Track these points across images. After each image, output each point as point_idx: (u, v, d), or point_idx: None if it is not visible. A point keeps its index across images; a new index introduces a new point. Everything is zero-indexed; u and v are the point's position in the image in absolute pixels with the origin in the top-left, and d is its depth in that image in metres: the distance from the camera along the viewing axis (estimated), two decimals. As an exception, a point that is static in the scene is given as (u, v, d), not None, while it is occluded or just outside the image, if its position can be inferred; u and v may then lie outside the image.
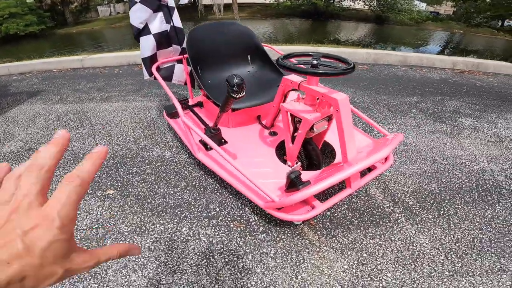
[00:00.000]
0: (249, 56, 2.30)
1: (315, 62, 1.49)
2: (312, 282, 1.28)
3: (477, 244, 1.43)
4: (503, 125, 2.57)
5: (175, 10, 2.09)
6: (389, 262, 1.34)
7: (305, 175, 1.59)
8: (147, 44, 2.01)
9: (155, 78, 2.06)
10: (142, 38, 1.99)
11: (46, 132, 2.50)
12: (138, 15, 1.92)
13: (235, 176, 1.61)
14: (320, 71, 1.35)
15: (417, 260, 1.35)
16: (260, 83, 2.16)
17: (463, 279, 1.26)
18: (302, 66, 1.47)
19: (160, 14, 2.01)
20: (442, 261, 1.34)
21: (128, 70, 4.09)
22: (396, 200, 1.69)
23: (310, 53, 1.60)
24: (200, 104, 2.29)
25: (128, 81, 3.63)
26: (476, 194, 1.75)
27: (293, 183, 1.37)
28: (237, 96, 1.38)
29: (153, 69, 2.02)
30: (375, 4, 16.90)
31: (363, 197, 1.71)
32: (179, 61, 2.23)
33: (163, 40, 2.06)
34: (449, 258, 1.36)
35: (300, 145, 1.61)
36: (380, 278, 1.28)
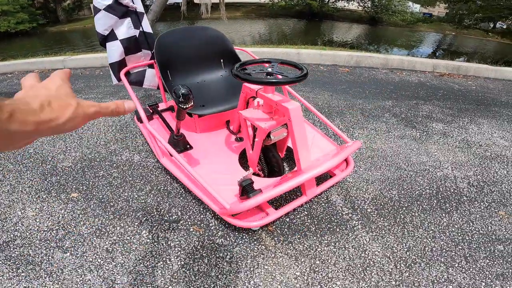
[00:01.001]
0: (222, 60, 2.31)
1: (270, 70, 1.51)
2: (264, 287, 1.31)
3: (427, 253, 1.46)
4: (474, 130, 2.61)
5: (144, 16, 2.10)
6: (340, 270, 1.38)
7: (264, 182, 1.62)
8: (114, 50, 2.02)
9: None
10: (108, 44, 2.00)
11: (19, 134, 2.50)
12: (102, 22, 1.92)
13: (195, 182, 1.63)
14: (272, 80, 1.37)
15: (367, 268, 1.38)
16: (232, 87, 2.18)
17: (407, 288, 1.30)
18: (258, 74, 1.49)
19: (128, 20, 2.01)
20: (390, 270, 1.37)
21: (109, 71, 4.09)
22: (356, 207, 1.73)
23: (266, 60, 1.63)
24: (171, 109, 2.30)
25: (107, 83, 3.62)
26: (435, 201, 1.79)
27: (244, 191, 1.40)
28: (184, 107, 1.40)
29: (121, 74, 2.03)
30: (369, 5, 16.98)
31: (323, 204, 1.75)
32: (151, 66, 2.24)
33: (131, 45, 2.07)
34: (398, 267, 1.39)
35: (259, 152, 1.63)
36: (330, 287, 1.31)
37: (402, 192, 1.85)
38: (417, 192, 1.86)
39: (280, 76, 1.44)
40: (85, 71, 4.14)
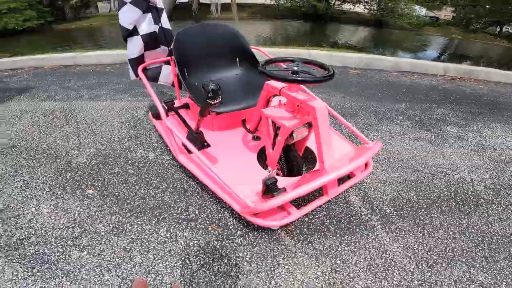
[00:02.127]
0: (237, 59, 2.30)
1: (295, 68, 1.50)
2: (285, 287, 1.29)
3: (448, 253, 1.45)
4: (488, 134, 2.59)
5: (164, 12, 2.10)
6: (362, 270, 1.36)
7: (284, 182, 1.61)
8: (135, 45, 2.02)
9: (140, 78, 2.07)
10: (130, 39, 2.00)
11: (31, 130, 2.49)
12: (128, 15, 1.92)
13: (214, 180, 1.61)
14: (298, 79, 1.36)
15: (389, 268, 1.37)
16: (247, 86, 2.17)
17: (431, 288, 1.28)
18: (283, 72, 1.48)
19: (149, 15, 2.01)
20: (412, 270, 1.36)
21: (120, 68, 4.08)
22: (374, 207, 1.71)
23: (291, 58, 1.61)
24: (186, 106, 2.29)
25: (119, 80, 3.62)
26: (453, 203, 1.77)
27: (269, 189, 1.38)
28: (213, 102, 1.39)
29: (139, 70, 2.03)
30: (375, 8, 16.95)
31: (342, 204, 1.73)
32: (167, 62, 2.24)
33: (151, 41, 2.07)
34: (420, 267, 1.38)
35: (280, 151, 1.62)
36: (352, 286, 1.29)
37: (420, 194, 1.83)
38: (435, 194, 1.84)
39: (306, 75, 1.43)
40: (96, 67, 4.14)
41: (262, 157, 1.81)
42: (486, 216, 1.69)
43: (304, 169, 1.97)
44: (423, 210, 1.71)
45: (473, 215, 1.69)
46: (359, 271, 1.35)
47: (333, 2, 17.40)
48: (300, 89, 1.51)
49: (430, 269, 1.36)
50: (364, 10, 17.89)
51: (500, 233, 1.58)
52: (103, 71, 3.98)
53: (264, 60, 1.57)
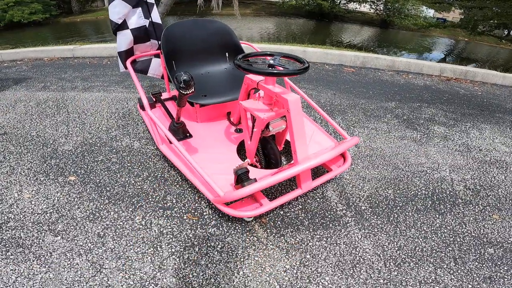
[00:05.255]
0: (227, 53, 2.31)
1: (272, 62, 1.50)
2: (252, 279, 1.30)
3: (417, 253, 1.44)
4: (476, 135, 2.57)
5: (154, 6, 2.12)
6: (330, 265, 1.36)
7: (260, 173, 1.62)
8: (124, 39, 2.04)
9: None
10: (119, 33, 2.02)
11: (23, 118, 2.53)
12: (117, 10, 1.94)
13: (192, 170, 1.63)
14: (272, 71, 1.36)
15: (357, 265, 1.37)
16: (235, 80, 2.18)
17: None
18: (259, 65, 1.48)
19: (139, 10, 2.03)
20: (379, 268, 1.36)
21: (116, 61, 4.11)
22: (350, 204, 1.71)
23: (270, 53, 1.62)
24: (174, 98, 2.31)
25: (114, 72, 3.64)
26: (430, 202, 1.76)
27: (239, 179, 1.39)
28: (185, 93, 1.41)
29: (128, 62, 2.05)
30: (381, 8, 16.79)
31: (318, 199, 1.73)
32: (157, 56, 2.26)
33: (140, 35, 2.09)
34: (387, 265, 1.37)
35: (257, 143, 1.63)
36: (318, 282, 1.29)
37: (398, 191, 1.83)
38: (412, 192, 1.83)
39: (281, 68, 1.44)
40: (93, 60, 4.16)
41: (243, 149, 1.83)
42: (461, 216, 1.68)
43: (284, 162, 1.98)
44: (398, 208, 1.71)
45: (448, 215, 1.68)
46: (327, 266, 1.36)
47: (338, 1, 17.27)
48: (275, 83, 1.52)
49: (397, 268, 1.36)
50: (370, 10, 17.74)
51: (473, 234, 1.57)
52: (100, 64, 4.00)
53: (242, 54, 1.57)
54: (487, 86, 3.94)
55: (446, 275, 1.34)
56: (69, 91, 3.08)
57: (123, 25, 2.00)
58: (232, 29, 2.32)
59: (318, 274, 1.32)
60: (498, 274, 1.36)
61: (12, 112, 2.62)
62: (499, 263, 1.42)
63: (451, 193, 1.85)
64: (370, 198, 1.76)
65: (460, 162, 2.17)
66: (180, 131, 1.83)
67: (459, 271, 1.37)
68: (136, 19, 2.03)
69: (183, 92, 1.40)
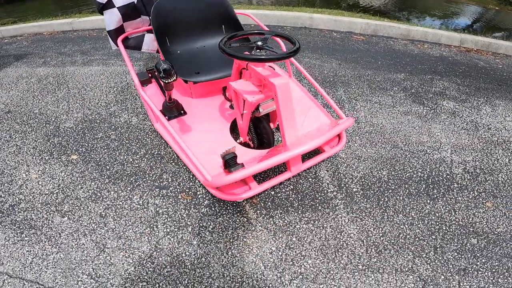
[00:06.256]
0: (223, 26, 2.23)
1: (259, 43, 1.45)
2: (240, 259, 1.40)
3: (400, 240, 1.48)
4: (487, 111, 2.46)
5: None
6: (314, 249, 1.43)
7: (251, 154, 1.65)
8: (111, 18, 1.97)
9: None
10: (105, 12, 1.94)
11: (26, 95, 2.59)
12: None
13: (184, 151, 1.67)
14: (254, 57, 1.32)
15: (339, 250, 1.43)
16: None
17: (372, 275, 1.34)
18: (245, 48, 1.44)
19: None
20: (360, 254, 1.42)
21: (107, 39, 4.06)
22: (342, 185, 1.74)
23: (258, 31, 1.56)
24: None
25: (113, 42, 3.60)
26: (424, 186, 1.77)
27: (227, 164, 1.43)
28: (167, 81, 1.40)
29: (119, 41, 2.01)
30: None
31: (310, 179, 1.77)
32: (150, 31, 2.20)
33: (129, 12, 2.01)
34: (369, 251, 1.43)
35: (248, 123, 1.64)
36: (301, 264, 1.37)
37: (393, 173, 1.83)
38: (407, 174, 1.83)
39: (268, 53, 1.39)
40: (93, 32, 4.09)
41: (237, 127, 1.84)
42: (452, 203, 1.68)
43: (279, 140, 2.00)
44: (390, 191, 1.72)
45: (439, 200, 1.69)
46: (311, 250, 1.43)
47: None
48: (264, 65, 1.48)
49: (377, 255, 1.41)
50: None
51: (460, 222, 1.58)
52: (99, 36, 3.93)
53: (227, 34, 1.51)
54: (510, 59, 3.66)
55: (423, 264, 1.38)
56: (69, 66, 3.09)
57: (109, 3, 1.92)
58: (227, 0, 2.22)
59: (302, 257, 1.40)
60: (474, 266, 1.39)
61: (14, 90, 2.68)
62: (478, 254, 1.44)
63: (448, 177, 1.83)
64: (363, 180, 1.78)
65: (464, 141, 2.12)
66: (174, 109, 1.85)
67: (436, 261, 1.40)
68: None
69: (164, 81, 1.40)
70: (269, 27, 3.90)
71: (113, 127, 2.14)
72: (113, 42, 2.08)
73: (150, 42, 2.25)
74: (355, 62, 3.09)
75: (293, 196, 1.68)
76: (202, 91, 2.03)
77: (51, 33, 4.24)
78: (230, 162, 1.42)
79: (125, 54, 1.95)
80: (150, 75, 2.18)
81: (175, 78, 1.42)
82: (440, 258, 1.42)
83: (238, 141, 1.74)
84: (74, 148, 1.98)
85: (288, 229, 1.52)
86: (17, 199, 1.68)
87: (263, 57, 1.31)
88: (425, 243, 1.47)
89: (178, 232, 1.51)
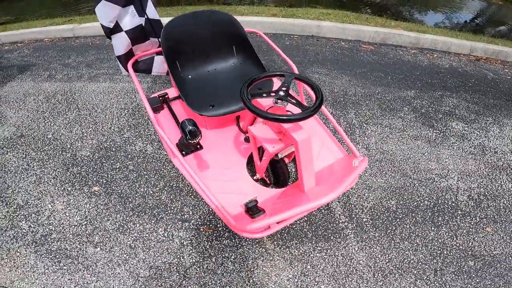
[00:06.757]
0: (233, 46, 2.40)
1: (282, 93, 1.66)
2: (260, 286, 1.74)
3: (404, 264, 1.84)
4: (495, 133, 2.80)
5: (149, 1, 2.14)
6: (326, 275, 1.78)
7: (270, 193, 1.93)
8: (121, 42, 2.12)
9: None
10: (114, 37, 2.09)
11: (36, 116, 2.89)
12: (105, 13, 1.96)
13: (204, 191, 1.92)
14: (279, 117, 1.47)
15: (349, 275, 1.78)
16: (243, 80, 2.32)
17: (379, 297, 1.70)
18: (267, 96, 1.64)
19: (131, 8, 2.07)
20: (368, 279, 1.77)
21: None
22: (353, 216, 2.08)
23: (280, 73, 1.70)
24: (181, 97, 2.52)
25: (116, 54, 3.87)
26: (430, 214, 2.11)
27: (249, 211, 1.69)
28: (192, 142, 1.66)
29: (129, 66, 2.16)
30: None
31: (323, 211, 2.10)
32: (159, 53, 2.38)
33: (138, 35, 2.16)
34: (376, 276, 1.78)
35: (267, 165, 1.94)
36: (315, 289, 1.73)
37: (401, 202, 2.17)
38: (415, 203, 2.18)
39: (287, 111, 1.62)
40: (95, 40, 4.36)
41: (252, 161, 2.11)
42: (455, 229, 2.04)
43: (294, 170, 2.31)
44: (398, 220, 2.07)
45: (443, 227, 2.04)
46: (324, 276, 1.78)
47: None
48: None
49: (383, 279, 1.77)
50: None
51: (461, 247, 1.94)
52: (102, 45, 4.21)
53: (248, 78, 1.66)
54: None
55: (423, 286, 1.75)
56: (76, 81, 3.38)
57: (116, 28, 2.06)
58: (237, 20, 2.39)
59: (316, 283, 1.75)
60: (469, 286, 1.76)
61: (23, 109, 2.98)
62: (473, 275, 1.81)
63: (453, 204, 2.18)
64: (372, 210, 2.12)
65: (471, 167, 2.46)
66: (190, 145, 2.07)
67: (435, 282, 1.77)
68: (130, 18, 2.08)
69: (190, 141, 1.65)
70: (276, 36, 4.18)
71: (129, 156, 2.46)
72: (123, 67, 2.26)
73: (159, 65, 2.46)
74: (365, 78, 3.41)
75: (307, 227, 2.02)
76: (216, 122, 2.25)
77: (52, 39, 4.52)
78: (253, 209, 1.66)
79: (136, 80, 2.12)
80: (161, 99, 2.42)
81: (200, 137, 1.68)
82: (439, 279, 1.78)
83: (254, 177, 2.02)
84: (95, 179, 2.30)
85: (303, 258, 1.86)
86: (47, 229, 2.01)
87: (284, 118, 1.47)
88: (427, 266, 1.84)
89: (203, 263, 1.84)
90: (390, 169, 2.40)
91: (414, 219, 2.08)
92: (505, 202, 2.22)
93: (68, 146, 2.57)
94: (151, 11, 2.18)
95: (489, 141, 2.72)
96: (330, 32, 4.12)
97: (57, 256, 1.87)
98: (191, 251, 1.89)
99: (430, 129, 2.79)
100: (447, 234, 2.01)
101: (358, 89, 3.24)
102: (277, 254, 1.88)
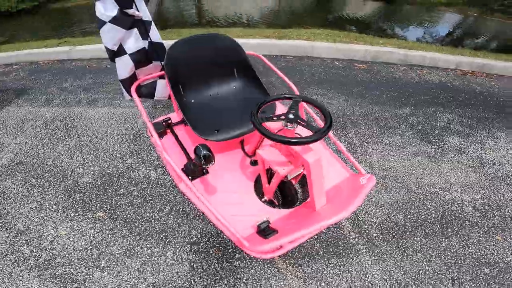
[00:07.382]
0: (235, 69, 2.45)
1: (291, 116, 1.67)
2: (275, 307, 1.71)
3: (420, 276, 1.85)
4: (490, 146, 2.90)
5: (152, 24, 2.18)
6: (342, 292, 1.77)
7: (280, 213, 1.93)
8: (124, 66, 2.16)
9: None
10: (117, 59, 2.13)
11: (34, 142, 2.86)
12: (111, 36, 2.00)
13: (214, 214, 1.92)
14: (289, 140, 1.49)
15: (366, 291, 1.77)
16: (246, 103, 2.38)
17: (399, 310, 1.69)
18: (277, 119, 1.68)
19: (135, 31, 2.11)
20: (385, 293, 1.77)
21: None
22: (362, 231, 2.09)
23: (289, 96, 1.75)
24: (184, 122, 2.55)
25: (115, 78, 3.89)
26: (438, 226, 2.14)
27: (262, 232, 1.69)
28: (206, 166, 1.68)
29: (132, 90, 2.19)
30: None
31: (332, 228, 2.11)
32: (161, 77, 2.41)
33: (141, 58, 2.19)
34: (393, 289, 1.78)
35: (276, 187, 1.94)
36: (331, 307, 1.71)
37: (409, 216, 2.20)
38: (423, 216, 2.21)
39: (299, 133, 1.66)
40: (92, 63, 4.42)
41: (259, 183, 2.14)
42: (466, 239, 2.07)
43: (300, 191, 2.32)
44: (407, 233, 2.09)
45: (453, 238, 2.07)
46: (340, 293, 1.77)
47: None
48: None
49: (400, 292, 1.77)
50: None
51: (474, 255, 1.97)
52: (99, 68, 4.27)
53: (258, 102, 1.72)
54: (504, 79, 4.22)
55: None
56: (74, 106, 3.39)
57: (120, 51, 2.09)
58: (238, 43, 2.49)
59: (333, 301, 1.73)
60: None
61: (21, 135, 2.95)
62: (491, 282, 1.84)
63: (460, 216, 2.22)
64: (381, 225, 2.14)
65: (472, 179, 2.53)
66: (197, 170, 2.05)
67: None
68: (134, 41, 2.11)
69: (205, 166, 1.67)
70: (271, 57, 4.33)
71: (133, 182, 2.44)
72: (126, 92, 2.28)
73: (162, 89, 2.48)
74: (361, 97, 3.52)
75: (317, 245, 2.01)
76: (222, 147, 2.28)
77: (48, 62, 4.55)
78: (266, 230, 1.68)
79: (140, 105, 2.13)
80: (164, 124, 2.44)
81: (213, 162, 1.71)
82: (458, 289, 1.80)
83: (262, 199, 2.03)
84: (98, 205, 2.27)
85: (317, 276, 1.84)
86: (51, 254, 1.95)
87: (294, 140, 1.49)
88: (443, 276, 1.86)
89: (215, 285, 1.80)
90: (394, 185, 2.44)
91: (423, 231, 2.10)
92: (509, 211, 2.27)
93: (69, 172, 2.54)
94: (154, 34, 2.21)
95: (486, 153, 2.81)
96: (324, 52, 4.31)
97: (63, 280, 1.81)
98: (202, 274, 1.85)
99: (429, 144, 2.88)
100: (458, 244, 2.03)
101: (356, 108, 3.34)
102: (289, 273, 1.86)
